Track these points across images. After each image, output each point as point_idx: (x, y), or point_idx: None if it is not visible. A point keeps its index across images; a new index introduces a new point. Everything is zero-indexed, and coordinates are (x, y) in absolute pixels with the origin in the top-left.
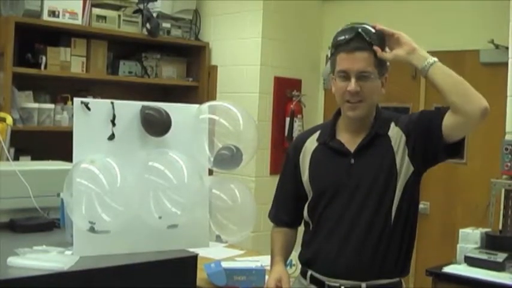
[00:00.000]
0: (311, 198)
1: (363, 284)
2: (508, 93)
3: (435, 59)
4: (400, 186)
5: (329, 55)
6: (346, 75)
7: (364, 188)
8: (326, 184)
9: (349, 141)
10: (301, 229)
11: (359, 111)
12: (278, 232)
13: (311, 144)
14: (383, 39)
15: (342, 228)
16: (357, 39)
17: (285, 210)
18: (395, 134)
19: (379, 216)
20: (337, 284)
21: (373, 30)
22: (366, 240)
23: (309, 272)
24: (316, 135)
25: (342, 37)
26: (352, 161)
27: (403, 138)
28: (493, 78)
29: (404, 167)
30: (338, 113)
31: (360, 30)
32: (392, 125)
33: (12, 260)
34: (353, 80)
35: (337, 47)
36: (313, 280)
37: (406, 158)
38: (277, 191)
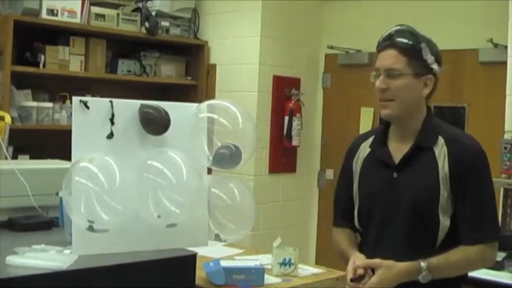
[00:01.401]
0: (358, 206)
1: None
2: (507, 92)
3: (424, 265)
4: (446, 210)
5: None
6: (377, 74)
7: (405, 203)
8: (370, 195)
9: (397, 150)
10: None
11: (390, 111)
12: (339, 232)
13: (365, 149)
14: (418, 40)
15: (384, 243)
16: (389, 40)
17: (343, 214)
18: (441, 153)
19: (419, 236)
20: None
21: (407, 29)
22: (404, 257)
23: None
24: (370, 140)
25: (378, 42)
26: (395, 174)
27: (446, 169)
28: (492, 77)
29: (445, 187)
30: None
31: (393, 31)
32: (441, 140)
33: (11, 259)
34: (381, 77)
35: (377, 49)
36: None
37: (447, 183)
38: (335, 195)
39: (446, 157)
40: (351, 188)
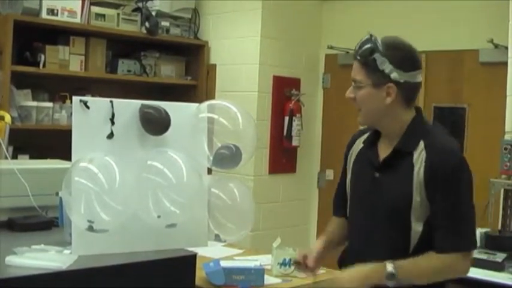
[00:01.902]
0: (349, 199)
1: None
2: (508, 93)
3: (389, 265)
4: (419, 216)
5: None
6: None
7: (382, 205)
8: (356, 191)
9: (383, 150)
10: None
11: (360, 119)
12: (333, 219)
13: (359, 144)
14: (375, 51)
15: (360, 239)
16: (355, 52)
17: (340, 204)
18: (419, 158)
19: (394, 240)
20: None
21: (369, 40)
22: (379, 256)
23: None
24: (365, 136)
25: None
26: (377, 174)
27: (421, 174)
28: (492, 77)
29: (419, 193)
30: None
31: (358, 44)
32: (421, 145)
33: (11, 259)
34: (350, 87)
35: None
36: None
37: (422, 189)
38: (337, 185)
39: (423, 162)
40: (345, 180)
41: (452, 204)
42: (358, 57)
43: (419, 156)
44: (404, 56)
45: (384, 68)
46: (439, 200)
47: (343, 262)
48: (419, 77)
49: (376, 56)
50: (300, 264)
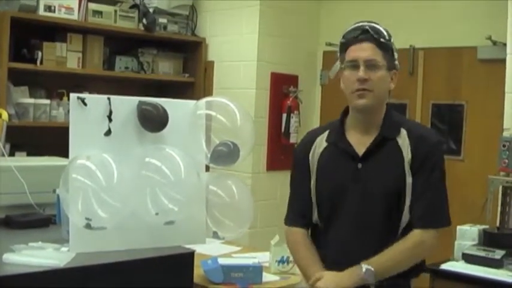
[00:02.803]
0: (317, 201)
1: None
2: (506, 90)
3: (365, 269)
4: (409, 193)
5: (338, 54)
6: (355, 64)
7: (372, 194)
8: (334, 188)
9: (358, 142)
10: None
11: (367, 100)
12: (300, 236)
13: (320, 143)
14: (390, 37)
15: (349, 235)
16: (364, 34)
17: (300, 211)
18: (404, 142)
19: (388, 224)
20: None
21: (378, 27)
22: (373, 246)
23: None
24: (325, 134)
25: (351, 34)
26: (360, 165)
27: (409, 156)
28: (490, 74)
29: (409, 174)
30: (346, 112)
31: (367, 27)
32: (404, 132)
33: (8, 257)
34: (362, 68)
35: (347, 43)
36: None
37: (410, 169)
38: (291, 195)
39: (409, 146)
40: (308, 183)
41: (434, 183)
42: (378, 39)
43: (404, 140)
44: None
45: (395, 54)
46: (422, 178)
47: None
48: None
49: (392, 41)
50: None
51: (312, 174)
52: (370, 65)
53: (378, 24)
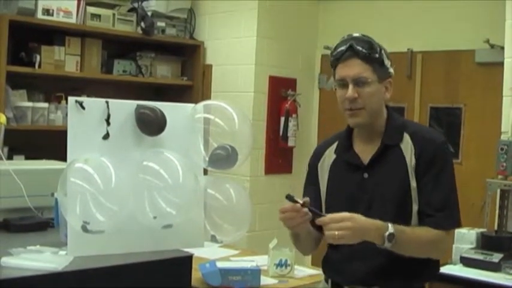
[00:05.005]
0: (328, 212)
1: None
2: (504, 93)
3: (391, 231)
4: (415, 198)
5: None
6: (344, 83)
7: (379, 202)
8: (341, 200)
9: (364, 151)
10: None
11: (359, 119)
12: None
13: (330, 155)
14: (375, 47)
15: (359, 244)
16: (350, 50)
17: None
18: (407, 147)
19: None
20: None
21: (364, 38)
22: (383, 254)
23: (330, 280)
24: (334, 146)
25: (336, 51)
26: (366, 175)
27: (413, 161)
28: (488, 78)
29: (413, 178)
30: None
31: (352, 42)
32: (407, 137)
33: (6, 260)
34: (350, 87)
35: (335, 61)
36: (334, 285)
37: (415, 174)
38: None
39: (413, 150)
40: (318, 194)
41: (441, 184)
42: (363, 54)
43: (407, 146)
44: (387, 51)
45: (386, 63)
46: (430, 181)
47: (327, 262)
48: None
49: (382, 52)
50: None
51: (322, 186)
52: (359, 82)
53: (365, 36)
